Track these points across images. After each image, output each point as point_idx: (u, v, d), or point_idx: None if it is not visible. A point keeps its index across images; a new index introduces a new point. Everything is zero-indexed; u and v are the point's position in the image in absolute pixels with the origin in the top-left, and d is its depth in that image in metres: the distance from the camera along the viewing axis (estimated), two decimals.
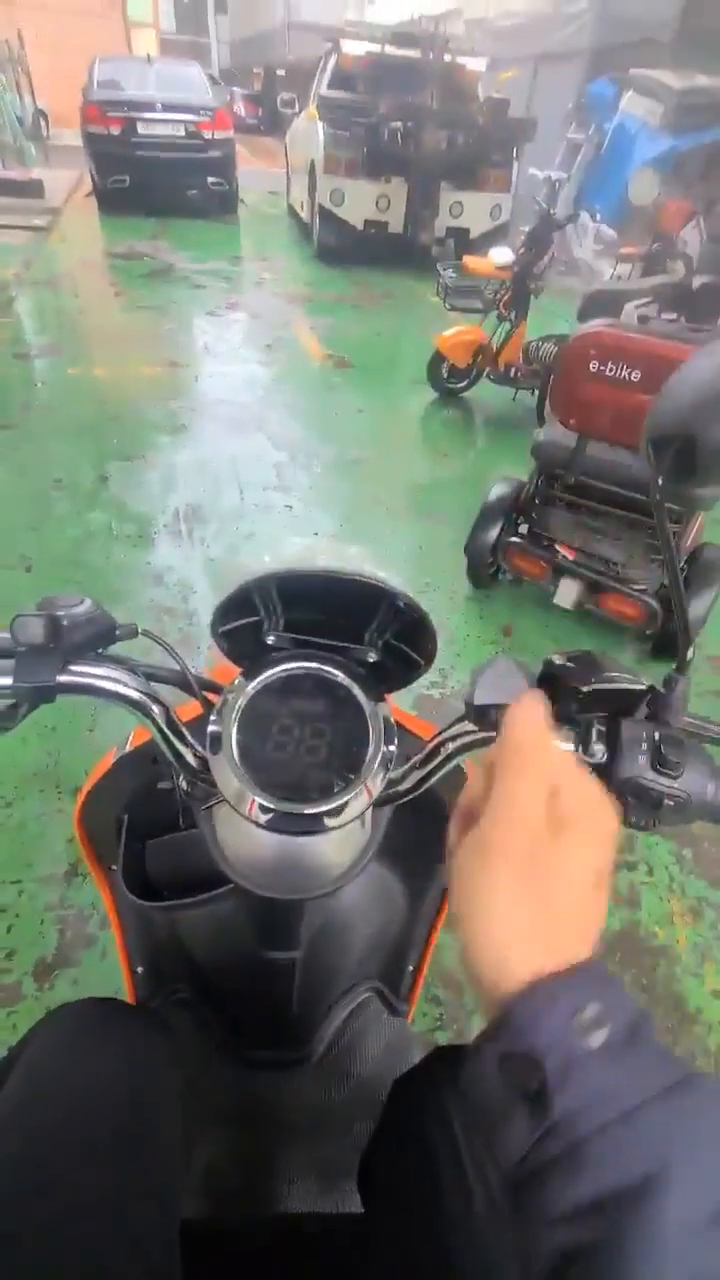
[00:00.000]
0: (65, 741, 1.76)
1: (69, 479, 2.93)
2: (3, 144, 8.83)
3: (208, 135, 7.70)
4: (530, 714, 0.33)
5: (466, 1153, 0.50)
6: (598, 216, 5.94)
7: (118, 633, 0.45)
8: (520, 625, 2.38)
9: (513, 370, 3.71)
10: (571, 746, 0.40)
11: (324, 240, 6.62)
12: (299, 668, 0.47)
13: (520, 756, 0.32)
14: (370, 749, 0.45)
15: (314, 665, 0.47)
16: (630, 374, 1.79)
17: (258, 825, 0.42)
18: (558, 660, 0.41)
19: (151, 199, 7.84)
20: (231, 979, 0.68)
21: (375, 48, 6.21)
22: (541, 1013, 0.27)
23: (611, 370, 1.81)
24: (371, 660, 0.48)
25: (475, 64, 6.40)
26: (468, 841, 0.32)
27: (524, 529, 2.28)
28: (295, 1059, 0.73)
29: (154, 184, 7.74)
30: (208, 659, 1.94)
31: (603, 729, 0.40)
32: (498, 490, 2.32)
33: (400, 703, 0.57)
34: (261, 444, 3.41)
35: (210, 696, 0.50)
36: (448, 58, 6.12)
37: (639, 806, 0.38)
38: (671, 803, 0.37)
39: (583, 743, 0.39)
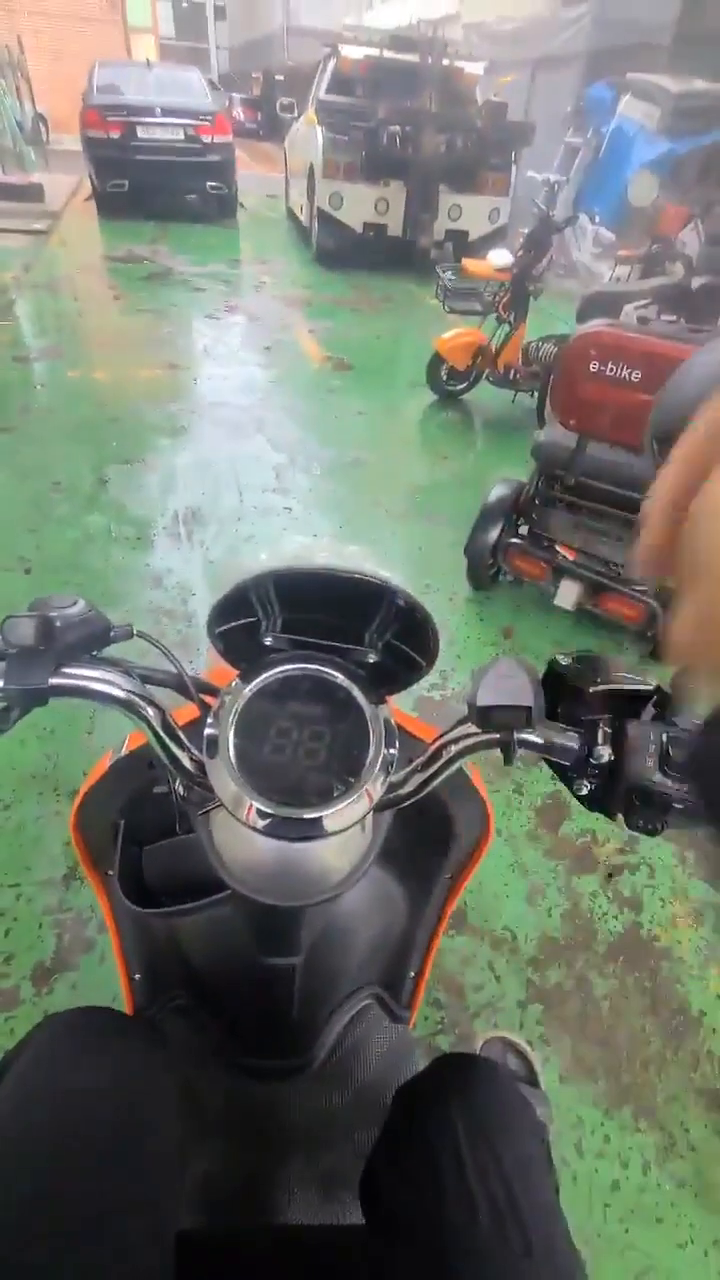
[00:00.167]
0: (63, 744, 1.75)
1: (68, 481, 2.92)
2: (2, 149, 8.84)
3: (207, 140, 7.71)
4: None
5: (470, 1163, 0.50)
6: (596, 219, 5.97)
7: (112, 634, 0.44)
8: (520, 626, 2.37)
9: (512, 372, 3.71)
10: (576, 747, 0.39)
11: (323, 244, 6.62)
12: (297, 669, 0.46)
13: None
14: (370, 752, 0.44)
15: (313, 667, 0.46)
16: (630, 374, 1.78)
17: (255, 830, 0.41)
18: (563, 661, 0.41)
19: (151, 203, 7.86)
20: (230, 985, 0.67)
21: (374, 52, 6.23)
22: None
23: (611, 370, 1.80)
24: (372, 661, 0.47)
25: (473, 68, 6.42)
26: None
27: (524, 530, 2.27)
28: (295, 1066, 0.72)
29: (153, 188, 7.75)
30: (205, 661, 1.93)
31: (609, 730, 0.39)
32: (498, 491, 2.31)
33: (401, 705, 0.56)
34: (261, 446, 3.41)
35: (207, 699, 0.48)
36: (446, 62, 6.14)
37: (647, 810, 0.37)
38: (681, 806, 0.37)
39: (589, 744, 0.39)
